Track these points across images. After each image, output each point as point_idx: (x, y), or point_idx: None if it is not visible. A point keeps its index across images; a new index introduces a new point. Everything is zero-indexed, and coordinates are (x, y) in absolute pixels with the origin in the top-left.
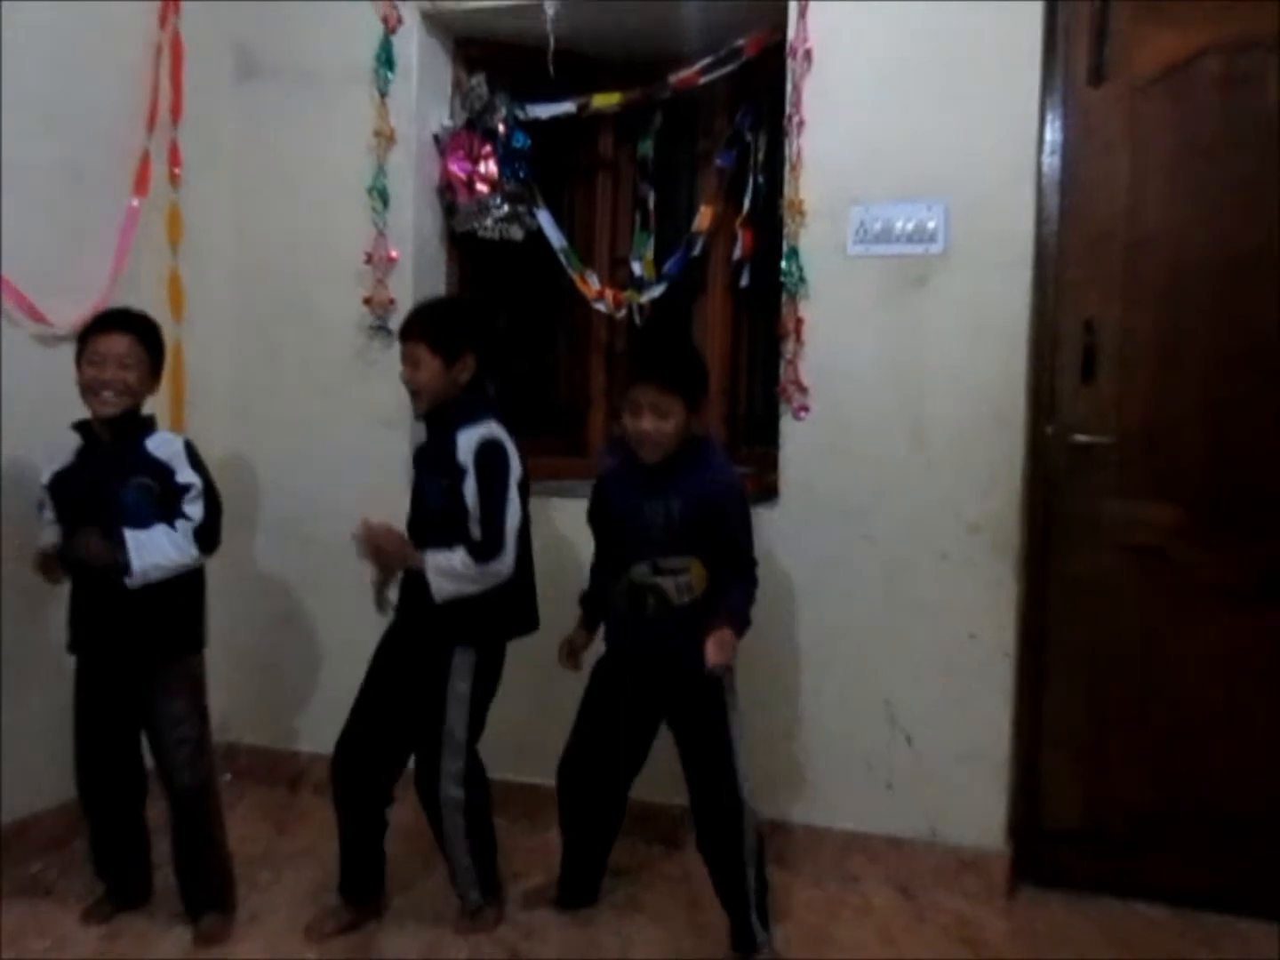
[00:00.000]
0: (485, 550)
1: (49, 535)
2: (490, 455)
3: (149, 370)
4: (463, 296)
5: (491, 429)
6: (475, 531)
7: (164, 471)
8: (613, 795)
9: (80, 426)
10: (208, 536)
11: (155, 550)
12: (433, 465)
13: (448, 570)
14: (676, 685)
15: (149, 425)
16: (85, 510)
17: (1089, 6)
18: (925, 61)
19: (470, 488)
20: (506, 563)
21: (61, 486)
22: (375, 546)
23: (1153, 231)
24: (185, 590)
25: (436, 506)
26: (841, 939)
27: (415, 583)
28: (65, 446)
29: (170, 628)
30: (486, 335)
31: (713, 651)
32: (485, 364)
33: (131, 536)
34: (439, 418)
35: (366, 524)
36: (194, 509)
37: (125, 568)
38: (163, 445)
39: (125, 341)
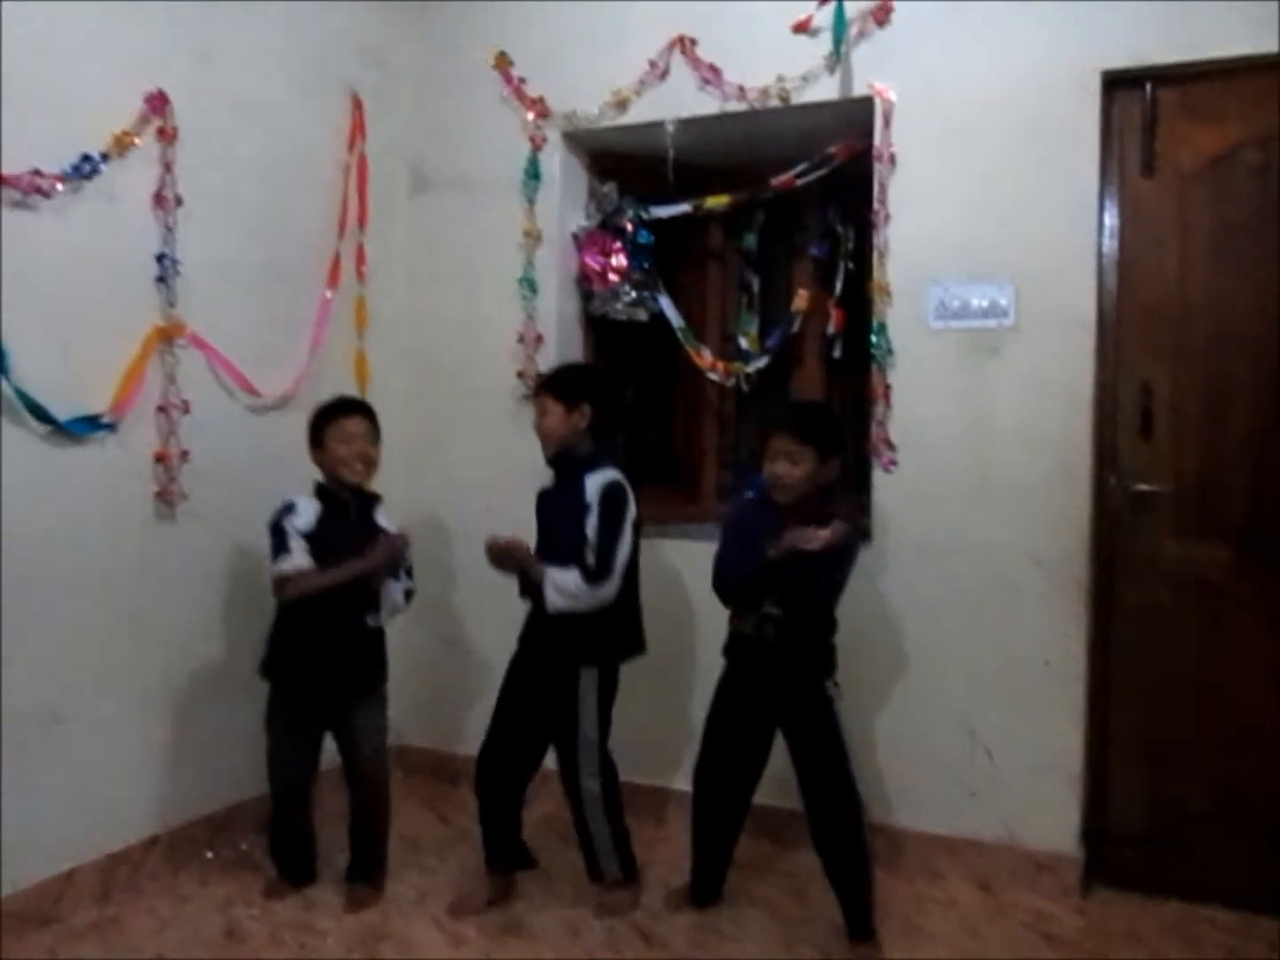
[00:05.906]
0: (597, 575)
1: (299, 561)
2: (613, 495)
3: (378, 445)
4: (585, 362)
5: (615, 474)
6: (589, 558)
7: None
8: (739, 798)
9: (321, 491)
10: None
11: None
12: (563, 507)
13: (562, 586)
14: (793, 698)
15: (378, 498)
16: (337, 558)
17: (1140, 107)
18: (995, 159)
19: (592, 522)
20: (611, 588)
21: (317, 536)
22: (500, 556)
23: (1199, 304)
24: (378, 635)
25: (568, 540)
26: (930, 930)
27: (540, 619)
28: (309, 505)
29: (368, 666)
30: (601, 389)
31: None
32: (602, 414)
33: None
34: (568, 464)
35: (495, 540)
36: (409, 580)
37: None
38: (386, 519)
39: (366, 423)
